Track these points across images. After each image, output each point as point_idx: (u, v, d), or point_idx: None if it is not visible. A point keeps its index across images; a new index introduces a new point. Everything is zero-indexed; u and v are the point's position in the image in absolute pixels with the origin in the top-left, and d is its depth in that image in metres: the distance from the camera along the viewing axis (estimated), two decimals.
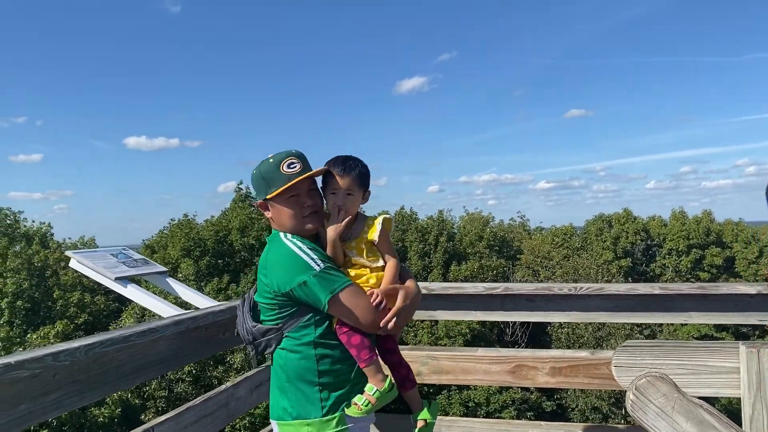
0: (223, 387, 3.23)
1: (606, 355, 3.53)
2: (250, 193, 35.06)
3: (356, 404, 2.24)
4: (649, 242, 46.26)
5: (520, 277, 35.06)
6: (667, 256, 45.36)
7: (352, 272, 2.33)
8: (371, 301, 2.25)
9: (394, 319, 2.28)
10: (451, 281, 31.77)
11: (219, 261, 30.33)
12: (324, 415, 2.24)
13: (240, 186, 35.49)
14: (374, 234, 2.35)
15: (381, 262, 2.36)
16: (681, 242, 44.58)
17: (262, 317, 2.37)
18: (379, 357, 2.31)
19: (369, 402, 2.23)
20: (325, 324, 2.27)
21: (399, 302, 2.31)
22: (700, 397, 1.99)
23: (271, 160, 2.31)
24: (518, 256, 39.55)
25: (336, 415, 2.25)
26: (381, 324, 2.27)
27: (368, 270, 2.34)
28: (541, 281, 35.90)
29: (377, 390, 2.24)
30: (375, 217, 2.43)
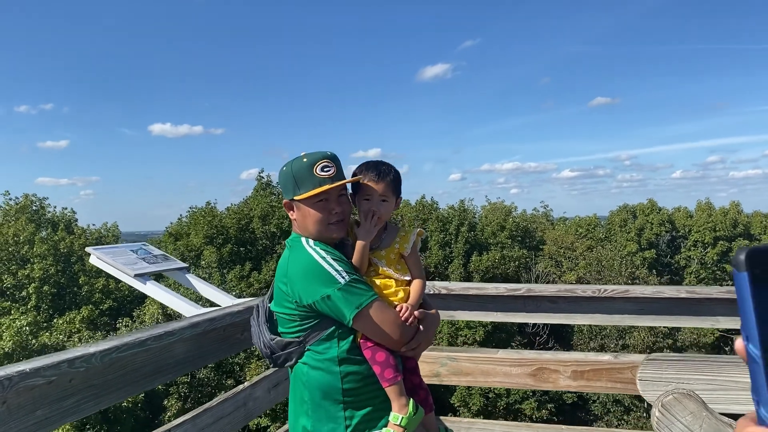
0: (240, 387, 3.22)
1: (629, 359, 3.46)
2: (271, 181, 35.20)
3: None
4: (674, 234, 45.60)
5: (542, 268, 34.77)
6: (692, 248, 44.68)
7: (378, 281, 2.23)
8: (400, 315, 2.15)
9: (419, 343, 2.22)
10: (471, 272, 31.64)
11: (241, 249, 30.55)
12: None
13: (261, 174, 35.60)
14: (407, 247, 2.28)
15: (409, 276, 2.28)
16: (707, 234, 43.86)
17: (280, 329, 2.26)
18: (402, 378, 2.18)
19: None
20: (350, 338, 2.15)
21: (426, 327, 2.24)
22: (729, 415, 1.92)
23: (304, 160, 2.19)
24: (541, 247, 39.24)
25: None
26: (406, 344, 2.18)
27: (394, 282, 2.25)
28: (564, 272, 35.61)
29: (403, 417, 2.12)
30: (409, 230, 2.34)
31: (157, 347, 2.45)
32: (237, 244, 30.51)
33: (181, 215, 35.54)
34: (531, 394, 27.15)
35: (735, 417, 1.96)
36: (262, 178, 35.36)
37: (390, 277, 2.26)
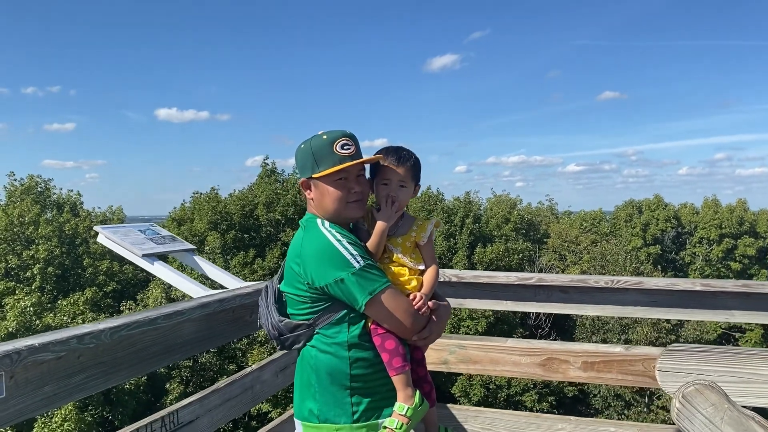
0: (248, 369, 3.19)
1: (641, 351, 3.41)
2: (276, 168, 35.12)
3: (389, 428, 2.07)
4: (679, 230, 45.51)
5: (546, 262, 34.72)
6: (697, 245, 44.61)
7: (393, 268, 2.20)
8: (413, 303, 2.12)
9: (430, 334, 2.19)
10: (476, 263, 31.61)
11: (245, 235, 30.56)
12: (354, 422, 2.10)
13: (266, 161, 35.48)
14: (423, 236, 2.25)
15: (422, 266, 2.25)
16: (713, 231, 43.77)
17: (289, 310, 2.21)
18: (410, 368, 2.15)
19: (402, 423, 2.07)
20: (361, 323, 2.12)
21: (438, 318, 2.22)
22: (751, 408, 1.88)
23: (324, 137, 2.14)
24: (545, 240, 39.19)
25: (368, 422, 2.11)
26: (417, 333, 2.16)
27: (408, 270, 2.22)
28: (568, 266, 35.55)
29: (408, 407, 2.08)
30: (426, 219, 2.32)
31: (166, 326, 2.41)
32: (241, 231, 30.51)
33: (184, 200, 35.57)
34: (532, 386, 27.19)
35: (757, 410, 1.92)
36: (267, 165, 35.28)
37: (404, 266, 2.23)
